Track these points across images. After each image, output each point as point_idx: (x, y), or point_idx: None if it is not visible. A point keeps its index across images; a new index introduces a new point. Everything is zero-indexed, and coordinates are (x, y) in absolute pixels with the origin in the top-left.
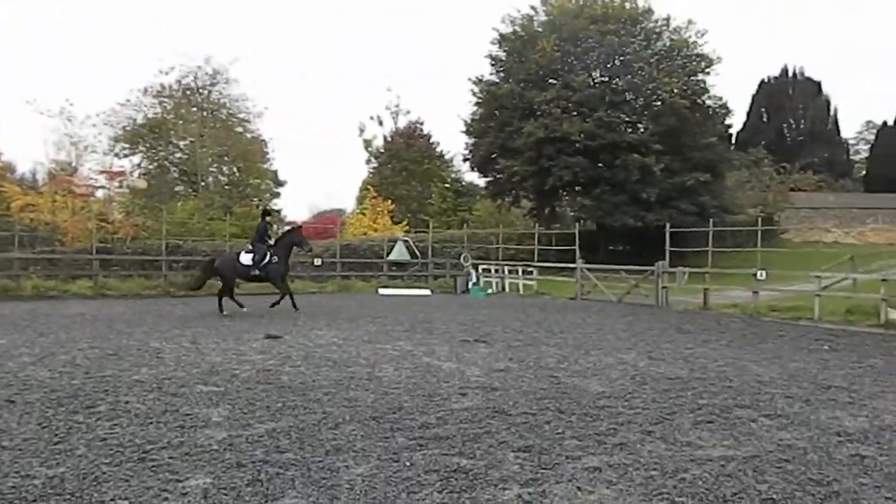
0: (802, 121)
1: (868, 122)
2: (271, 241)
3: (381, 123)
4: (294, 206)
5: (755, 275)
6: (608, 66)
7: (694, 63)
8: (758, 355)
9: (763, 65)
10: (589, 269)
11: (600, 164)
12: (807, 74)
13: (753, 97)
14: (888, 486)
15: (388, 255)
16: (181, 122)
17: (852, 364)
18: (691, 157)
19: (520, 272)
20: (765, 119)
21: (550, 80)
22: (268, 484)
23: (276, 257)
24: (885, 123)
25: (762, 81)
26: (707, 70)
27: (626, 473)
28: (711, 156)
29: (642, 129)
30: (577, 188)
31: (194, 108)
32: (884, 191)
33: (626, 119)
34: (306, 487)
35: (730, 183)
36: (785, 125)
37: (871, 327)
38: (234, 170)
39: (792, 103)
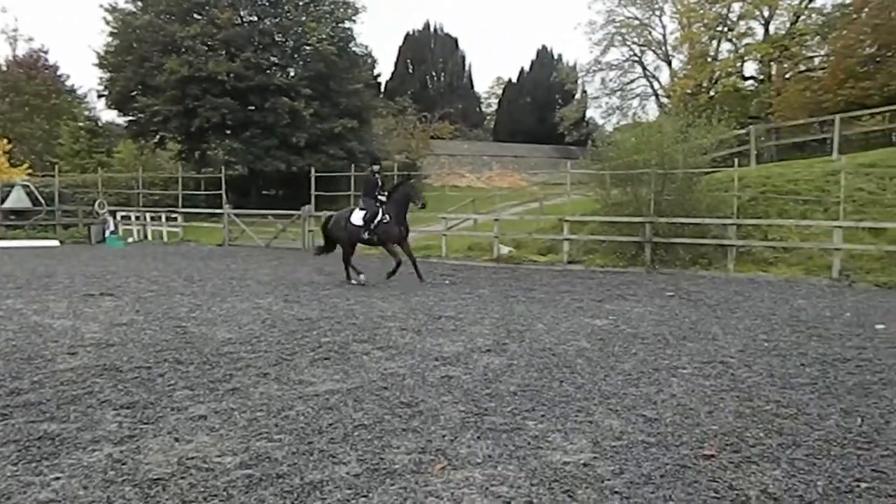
0: (442, 74)
1: (498, 79)
2: (383, 197)
3: None
4: None
5: None
6: (256, 4)
7: (341, 10)
8: (387, 292)
9: (411, 18)
10: (237, 215)
11: (250, 107)
12: (446, 31)
13: (400, 49)
14: (464, 400)
15: (2, 202)
16: None
17: (464, 295)
18: (339, 102)
19: (163, 219)
20: (410, 70)
21: (195, 15)
22: None
23: (387, 216)
24: (510, 80)
25: (407, 34)
26: (353, 18)
27: (230, 418)
28: (358, 103)
29: (292, 73)
30: (226, 131)
31: None
32: (508, 140)
33: (276, 62)
34: None
35: (378, 130)
36: (427, 77)
37: (486, 262)
38: None
39: (433, 57)
